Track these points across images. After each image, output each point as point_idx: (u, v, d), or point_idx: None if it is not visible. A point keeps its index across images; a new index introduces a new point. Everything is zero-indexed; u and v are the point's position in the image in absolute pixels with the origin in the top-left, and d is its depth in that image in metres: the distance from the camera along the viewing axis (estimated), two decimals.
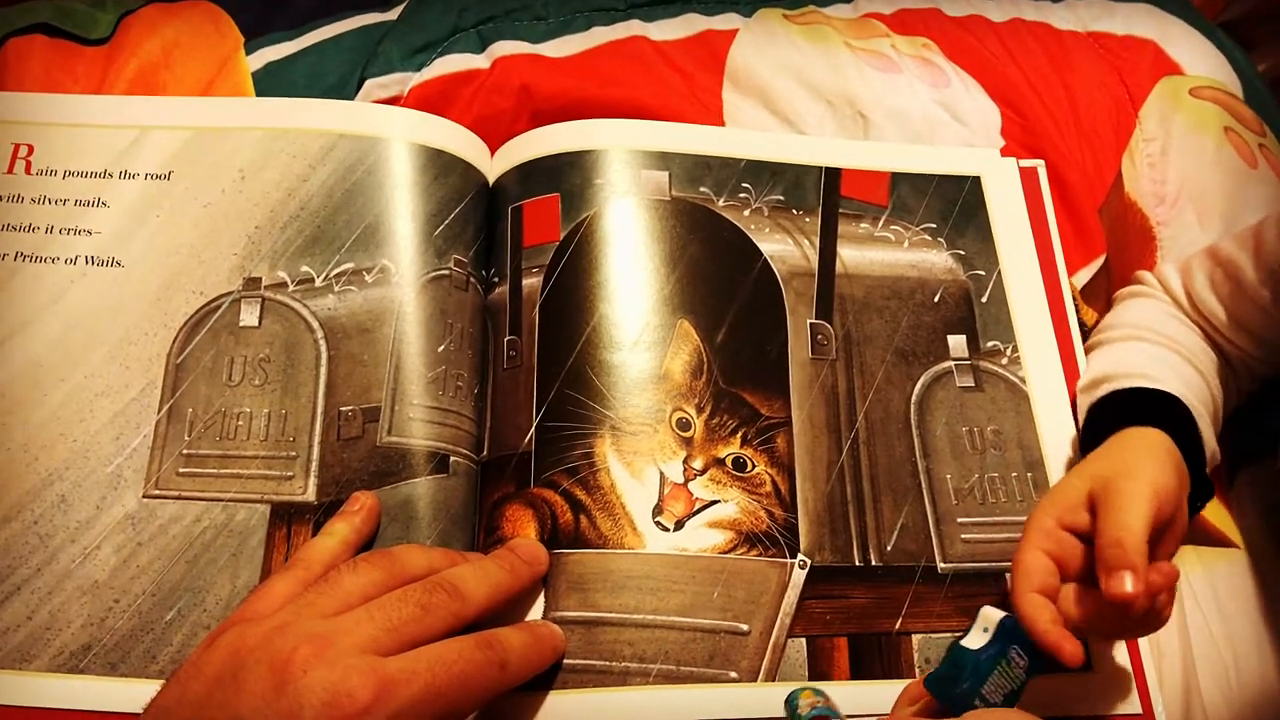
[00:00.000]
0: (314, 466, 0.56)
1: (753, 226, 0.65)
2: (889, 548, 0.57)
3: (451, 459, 0.57)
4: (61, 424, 0.56)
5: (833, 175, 0.68)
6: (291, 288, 0.59)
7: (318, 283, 0.59)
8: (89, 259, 0.60)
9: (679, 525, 0.55)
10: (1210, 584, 0.60)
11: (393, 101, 0.73)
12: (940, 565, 0.57)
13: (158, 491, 0.55)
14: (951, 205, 0.68)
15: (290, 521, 0.54)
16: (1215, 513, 0.63)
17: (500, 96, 0.74)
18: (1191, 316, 0.62)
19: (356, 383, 0.57)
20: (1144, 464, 0.51)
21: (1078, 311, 0.66)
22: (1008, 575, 0.56)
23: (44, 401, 0.56)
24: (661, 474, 0.56)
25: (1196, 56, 0.81)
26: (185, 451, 0.56)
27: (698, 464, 0.57)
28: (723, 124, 0.75)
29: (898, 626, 0.55)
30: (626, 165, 0.65)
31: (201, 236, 0.61)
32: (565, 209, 0.63)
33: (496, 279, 0.62)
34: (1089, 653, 0.54)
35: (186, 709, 0.41)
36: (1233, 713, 0.56)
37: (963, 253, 0.67)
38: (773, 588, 0.55)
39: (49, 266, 0.60)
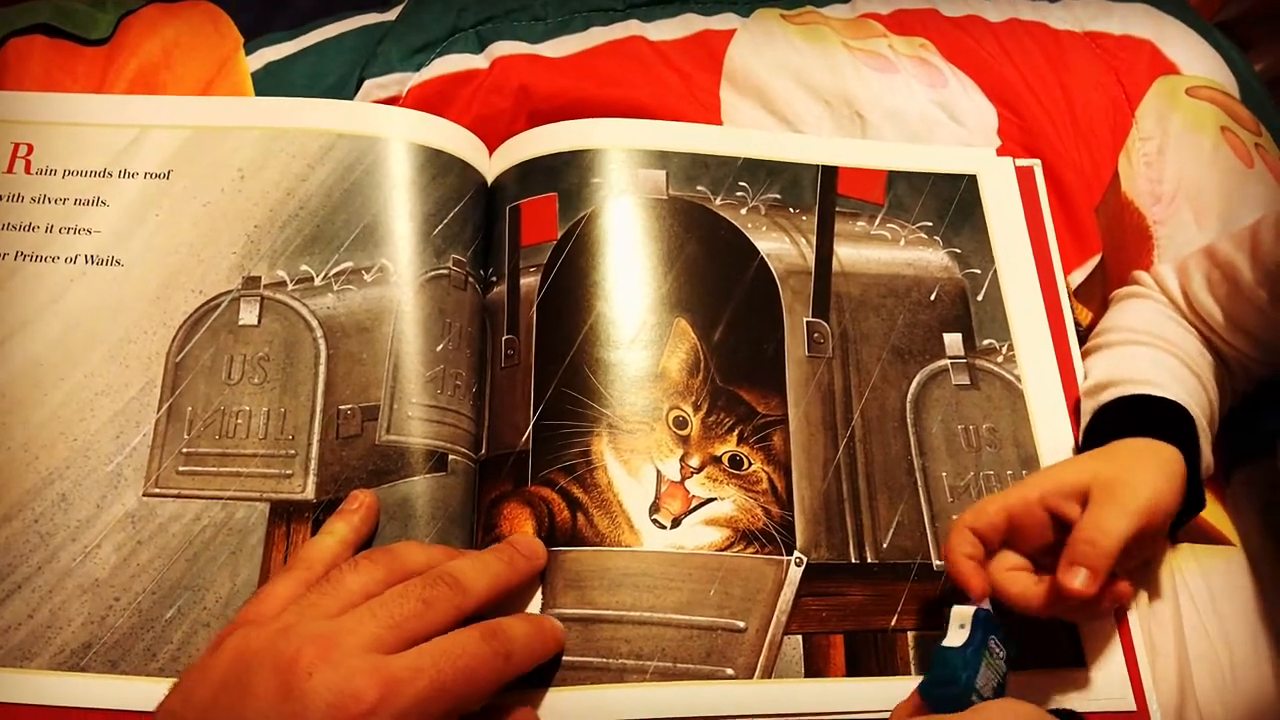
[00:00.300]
0: (313, 465, 0.56)
1: (750, 225, 0.65)
2: (885, 545, 0.57)
3: (450, 458, 0.57)
4: (62, 423, 0.56)
5: (829, 174, 0.68)
6: (290, 286, 0.60)
7: (317, 282, 0.60)
8: (89, 258, 0.60)
9: (676, 523, 0.56)
10: (1206, 582, 0.60)
11: (392, 101, 0.73)
12: (936, 563, 0.57)
13: (157, 490, 0.55)
14: (947, 204, 0.68)
15: (289, 519, 0.55)
16: (1212, 511, 0.63)
17: (499, 96, 0.74)
18: (1188, 317, 0.62)
19: (355, 381, 0.57)
20: (1149, 479, 0.51)
21: (1072, 311, 0.67)
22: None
23: (44, 400, 0.56)
24: (658, 472, 0.57)
25: (1193, 56, 0.81)
26: (185, 450, 0.56)
27: (694, 462, 0.57)
28: (721, 124, 0.75)
29: (893, 623, 0.55)
30: (624, 164, 0.65)
31: (201, 235, 0.61)
32: (563, 208, 0.63)
33: (494, 278, 0.62)
34: (1081, 647, 0.55)
35: (194, 713, 0.41)
36: (1228, 710, 0.56)
37: (959, 251, 0.67)
38: (769, 585, 0.55)
39: (49, 266, 0.60)
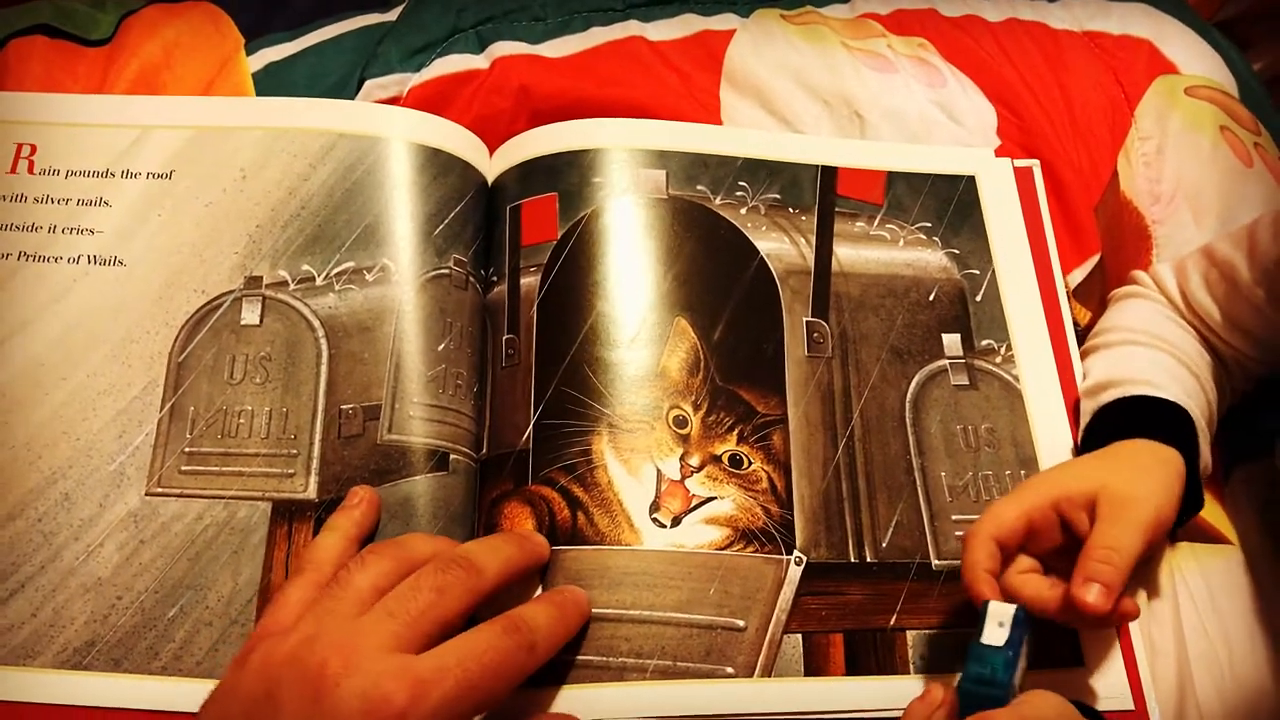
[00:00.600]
0: (315, 464, 0.56)
1: (749, 225, 0.65)
2: (884, 544, 0.57)
3: (451, 457, 0.57)
4: (64, 422, 0.56)
5: (829, 174, 0.68)
6: (292, 286, 0.60)
7: (318, 281, 0.60)
8: (91, 258, 0.61)
9: (676, 522, 0.56)
10: (1205, 581, 0.61)
11: (392, 102, 0.74)
12: (935, 562, 0.57)
13: (160, 489, 0.55)
14: (946, 204, 0.68)
15: (291, 519, 0.55)
16: (1210, 511, 0.63)
17: (499, 97, 0.74)
18: (1186, 317, 0.62)
19: (357, 381, 0.58)
20: (1154, 491, 0.52)
21: (1070, 311, 0.67)
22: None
23: (47, 400, 0.57)
24: (658, 471, 0.57)
25: (1192, 56, 0.81)
26: (187, 449, 0.56)
27: (694, 461, 0.57)
28: (720, 123, 0.75)
29: (892, 623, 0.55)
30: (624, 164, 0.65)
31: (203, 235, 0.61)
32: (563, 208, 0.63)
33: (495, 278, 0.62)
34: (1080, 648, 0.55)
35: None
36: (1226, 708, 0.56)
37: (957, 252, 0.67)
38: (769, 584, 0.55)
39: (52, 266, 0.60)
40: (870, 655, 0.54)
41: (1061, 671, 0.54)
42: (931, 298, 0.65)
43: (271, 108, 0.66)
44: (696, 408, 0.59)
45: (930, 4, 0.83)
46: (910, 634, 0.55)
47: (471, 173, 0.65)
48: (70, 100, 0.67)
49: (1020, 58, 0.80)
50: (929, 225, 0.67)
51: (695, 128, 0.71)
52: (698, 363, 0.60)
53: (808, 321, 0.63)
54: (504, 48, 0.76)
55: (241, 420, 0.57)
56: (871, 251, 0.66)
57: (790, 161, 0.68)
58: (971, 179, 0.70)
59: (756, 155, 0.68)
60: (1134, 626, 0.56)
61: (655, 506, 0.56)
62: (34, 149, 0.63)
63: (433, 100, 0.73)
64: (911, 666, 0.54)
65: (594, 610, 0.53)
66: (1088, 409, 0.60)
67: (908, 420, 0.61)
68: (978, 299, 0.65)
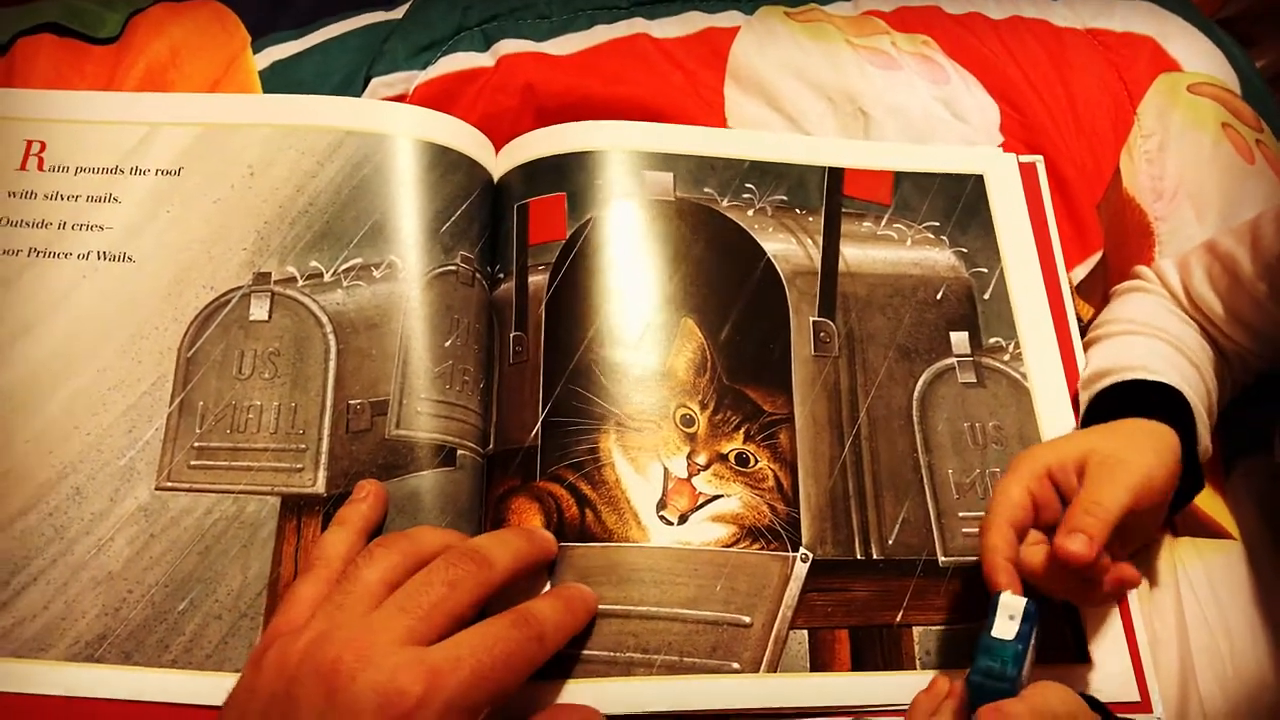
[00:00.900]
0: (323, 459, 0.56)
1: (756, 226, 0.65)
2: (890, 541, 0.57)
3: (458, 452, 0.57)
4: (75, 417, 0.57)
5: (835, 175, 0.68)
6: (300, 283, 0.60)
7: (326, 278, 0.60)
8: (101, 254, 0.61)
9: (683, 519, 0.56)
10: (1207, 575, 0.61)
11: (398, 99, 0.74)
12: (941, 559, 0.57)
13: (170, 484, 0.55)
14: (954, 203, 0.69)
15: (300, 513, 0.55)
16: (1212, 505, 0.64)
17: (504, 95, 0.74)
18: (1188, 311, 0.63)
19: (365, 376, 0.58)
20: (1144, 454, 0.52)
21: (1077, 314, 0.67)
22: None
23: (58, 395, 0.57)
24: (665, 469, 0.57)
25: (1194, 53, 0.82)
26: (196, 444, 0.56)
27: (701, 459, 0.58)
28: (724, 120, 0.75)
29: (899, 619, 0.55)
30: (631, 166, 0.66)
31: (212, 232, 0.61)
32: (571, 208, 0.64)
33: (502, 275, 0.63)
34: (1086, 647, 0.55)
35: None
36: (1228, 700, 0.57)
37: (965, 250, 0.67)
38: (775, 581, 0.55)
39: (62, 262, 0.61)
40: (876, 651, 0.55)
41: (1068, 667, 0.55)
42: (939, 296, 0.65)
43: (279, 105, 0.67)
44: (703, 407, 0.59)
45: (934, 1, 0.84)
46: (917, 630, 0.55)
47: (478, 170, 0.65)
48: (79, 97, 0.67)
49: (1023, 55, 0.80)
50: (937, 224, 0.68)
51: (702, 130, 0.71)
52: (705, 363, 0.60)
53: (814, 321, 0.63)
54: (509, 45, 0.76)
55: (250, 415, 0.57)
56: (879, 251, 0.66)
57: (797, 163, 0.69)
58: (980, 178, 0.70)
59: (763, 157, 0.68)
60: (1137, 619, 0.56)
61: (662, 504, 0.56)
62: (43, 146, 0.64)
63: (438, 98, 0.73)
64: (918, 662, 0.54)
65: (601, 606, 0.53)
66: (1085, 397, 0.60)
67: (915, 418, 0.61)
68: (986, 297, 0.66)
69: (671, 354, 0.60)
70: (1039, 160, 0.72)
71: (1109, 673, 0.55)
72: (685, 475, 0.57)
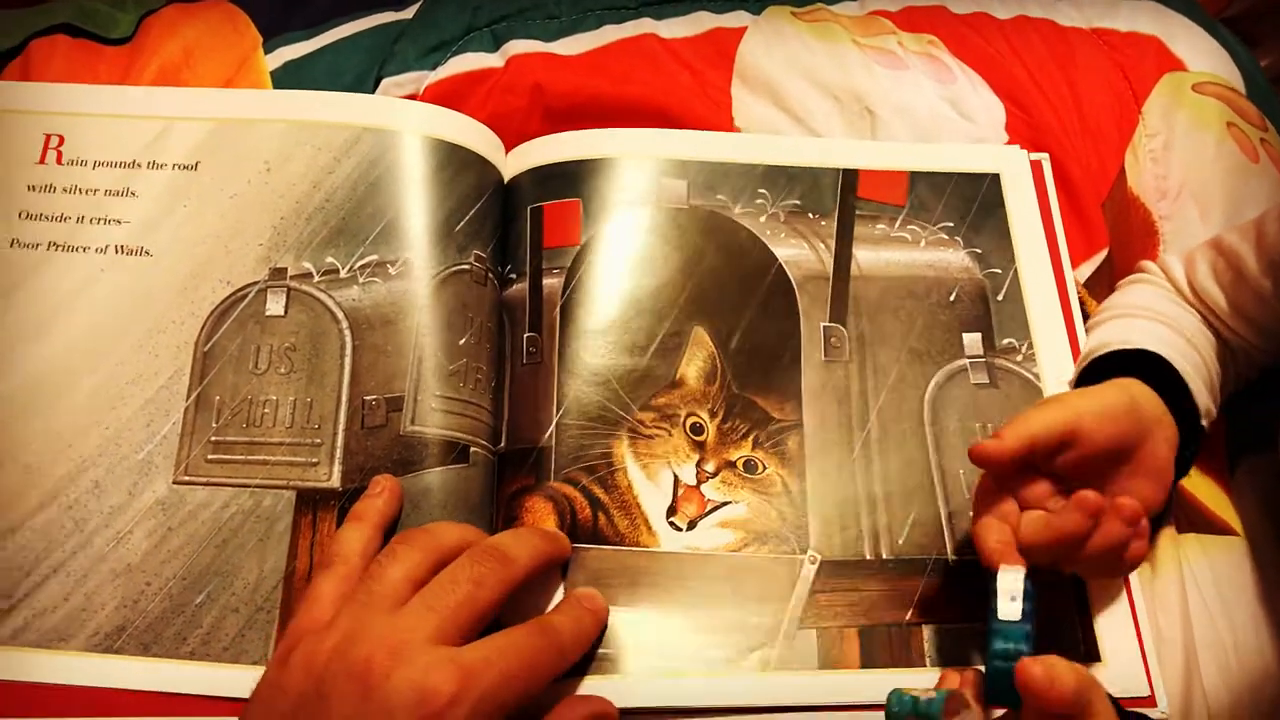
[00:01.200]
0: (338, 454, 0.57)
1: (769, 232, 0.66)
2: (900, 542, 0.58)
3: (471, 449, 0.58)
4: (94, 411, 0.57)
5: (850, 177, 0.69)
6: (316, 278, 0.61)
7: (342, 274, 0.61)
8: (119, 248, 0.61)
9: (692, 525, 0.57)
10: (1212, 571, 0.61)
11: (409, 99, 0.74)
12: (952, 558, 0.57)
13: (187, 477, 0.56)
14: (969, 203, 0.69)
15: (315, 507, 0.56)
16: (1217, 502, 0.64)
17: (513, 95, 0.75)
18: (1192, 303, 0.63)
19: (380, 373, 0.58)
20: (1084, 392, 0.55)
21: (1083, 305, 0.67)
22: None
23: (77, 389, 0.58)
24: (675, 476, 0.58)
25: (1199, 52, 0.82)
26: (213, 438, 0.57)
27: (710, 467, 0.58)
28: (732, 120, 0.76)
29: (908, 618, 0.55)
30: (646, 173, 0.66)
31: (228, 227, 0.62)
32: (586, 214, 0.64)
33: (514, 275, 0.63)
34: (1098, 645, 0.56)
35: None
36: (1232, 694, 0.57)
37: (979, 251, 0.67)
38: (783, 583, 0.56)
39: (80, 256, 0.61)
40: (886, 650, 0.55)
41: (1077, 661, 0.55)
42: (952, 298, 0.65)
43: (295, 101, 0.67)
44: (713, 415, 0.60)
45: (940, 1, 0.84)
46: (927, 629, 0.55)
47: (490, 170, 0.66)
48: (98, 91, 0.68)
49: (1029, 55, 0.80)
50: (951, 225, 0.68)
51: (716, 136, 0.72)
52: (715, 371, 0.61)
53: (825, 327, 0.63)
54: (518, 46, 0.77)
55: (266, 410, 0.58)
56: (892, 253, 0.66)
57: (810, 166, 0.69)
58: (995, 177, 0.70)
59: (776, 162, 0.69)
60: (1143, 615, 0.57)
61: (672, 510, 0.57)
62: (62, 139, 0.64)
63: (448, 98, 0.74)
64: (928, 660, 0.55)
65: (613, 608, 0.53)
66: (1072, 377, 0.61)
67: (926, 420, 0.61)
68: (999, 298, 0.66)
69: (683, 363, 0.61)
70: (1044, 158, 0.72)
71: (1119, 669, 0.55)
72: (695, 483, 0.58)
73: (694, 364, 0.61)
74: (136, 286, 0.60)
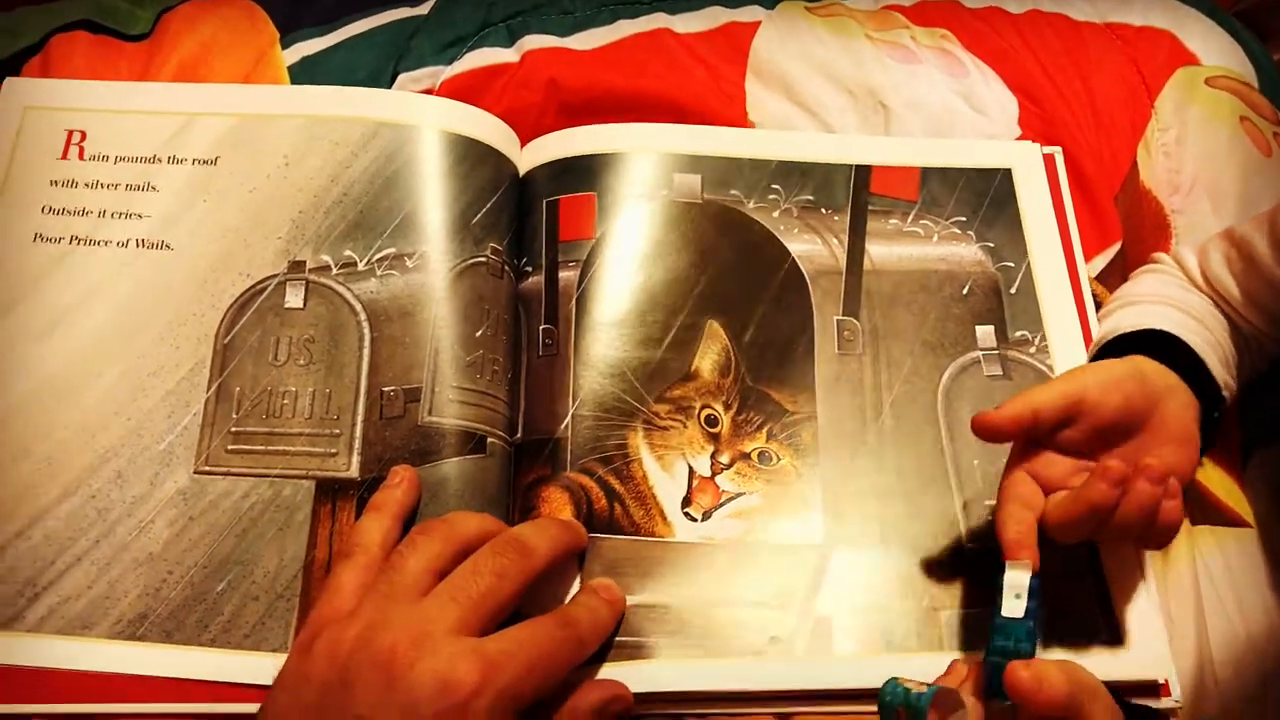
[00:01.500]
0: (357, 444, 0.57)
1: (782, 227, 0.66)
2: (914, 531, 0.58)
3: (488, 440, 0.58)
4: (116, 402, 0.58)
5: (862, 173, 0.69)
6: (335, 271, 0.61)
7: (360, 266, 0.61)
8: (139, 242, 0.62)
9: (706, 516, 0.57)
10: (1224, 562, 0.62)
11: (425, 94, 0.75)
12: (967, 545, 0.58)
13: (208, 468, 0.57)
14: (982, 198, 0.69)
15: (335, 497, 0.56)
16: (1230, 494, 0.64)
17: (529, 90, 0.75)
18: (1205, 292, 0.63)
19: (398, 364, 0.59)
20: (1088, 366, 0.56)
21: (1096, 298, 0.68)
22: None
23: (99, 380, 0.58)
24: (690, 467, 0.58)
25: (1212, 47, 0.82)
26: (234, 429, 0.57)
27: (724, 459, 0.59)
28: (746, 115, 0.76)
29: (925, 604, 0.56)
30: (660, 168, 0.67)
31: (248, 221, 0.63)
32: (601, 208, 0.65)
33: (529, 268, 0.64)
34: (1121, 629, 0.56)
35: (302, 712, 0.43)
36: (1244, 682, 0.57)
37: (992, 245, 0.67)
38: (797, 573, 0.56)
39: (101, 250, 0.62)
40: (905, 635, 0.55)
41: (1101, 651, 0.55)
42: (965, 291, 0.65)
43: (313, 96, 0.68)
44: (727, 407, 0.60)
45: None
46: (945, 613, 0.55)
47: (505, 164, 0.66)
48: (119, 87, 0.68)
49: (1042, 49, 0.80)
50: (963, 219, 0.68)
51: (730, 131, 0.72)
52: (729, 364, 0.61)
53: (838, 320, 0.64)
54: (533, 41, 0.77)
55: (285, 401, 0.58)
56: (905, 248, 0.67)
57: (824, 162, 0.69)
58: (1008, 172, 0.70)
59: (790, 157, 0.69)
60: (1157, 603, 0.57)
61: (687, 501, 0.58)
62: (84, 135, 0.65)
63: (464, 93, 0.74)
64: (944, 644, 0.55)
65: (629, 597, 0.54)
66: (1088, 360, 0.62)
67: (940, 411, 0.61)
68: (1012, 291, 0.66)
69: (697, 356, 0.61)
70: (1058, 151, 0.72)
71: (1142, 653, 0.55)
72: (709, 474, 0.58)
73: (708, 357, 0.61)
74: (157, 280, 0.61)
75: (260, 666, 0.51)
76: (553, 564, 0.50)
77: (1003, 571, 0.50)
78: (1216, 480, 0.64)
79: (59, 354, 0.59)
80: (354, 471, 0.57)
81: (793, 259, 0.65)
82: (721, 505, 0.58)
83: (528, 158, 0.68)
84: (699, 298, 0.63)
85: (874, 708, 0.47)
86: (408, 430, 0.58)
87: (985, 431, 0.52)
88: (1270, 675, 0.58)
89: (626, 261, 0.64)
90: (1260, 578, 0.61)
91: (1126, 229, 0.74)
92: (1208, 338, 0.60)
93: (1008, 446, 0.57)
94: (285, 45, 0.77)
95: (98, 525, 0.55)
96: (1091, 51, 0.81)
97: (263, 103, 0.67)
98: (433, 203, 0.63)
